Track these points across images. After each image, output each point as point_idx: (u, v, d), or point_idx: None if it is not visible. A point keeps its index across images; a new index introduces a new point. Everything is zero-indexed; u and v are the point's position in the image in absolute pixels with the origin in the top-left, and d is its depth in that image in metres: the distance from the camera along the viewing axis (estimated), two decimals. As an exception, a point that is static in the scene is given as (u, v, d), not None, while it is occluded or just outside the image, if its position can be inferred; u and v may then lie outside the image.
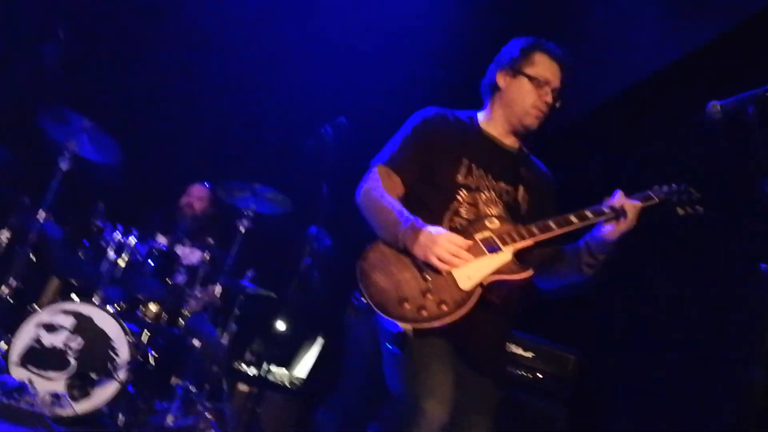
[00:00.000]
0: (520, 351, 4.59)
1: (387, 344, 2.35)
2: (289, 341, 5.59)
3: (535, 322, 4.76)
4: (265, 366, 5.05)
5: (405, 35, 5.80)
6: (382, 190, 2.53)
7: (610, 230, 2.43)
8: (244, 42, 5.92)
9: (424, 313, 2.28)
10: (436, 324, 2.27)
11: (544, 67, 2.62)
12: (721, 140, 2.26)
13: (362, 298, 2.35)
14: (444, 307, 2.29)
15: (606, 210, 2.45)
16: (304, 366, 5.99)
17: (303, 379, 5.84)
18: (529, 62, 2.62)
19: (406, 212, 2.44)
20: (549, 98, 2.60)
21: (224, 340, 4.82)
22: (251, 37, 5.89)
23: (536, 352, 4.58)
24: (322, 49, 5.86)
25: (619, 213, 2.43)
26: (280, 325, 5.20)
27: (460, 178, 2.57)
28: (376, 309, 2.31)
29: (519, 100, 2.62)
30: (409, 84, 4.90)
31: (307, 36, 5.87)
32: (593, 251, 2.48)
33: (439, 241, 2.33)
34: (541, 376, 4.52)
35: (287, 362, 5.92)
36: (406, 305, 2.29)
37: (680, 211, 2.49)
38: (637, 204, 2.43)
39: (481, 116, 2.73)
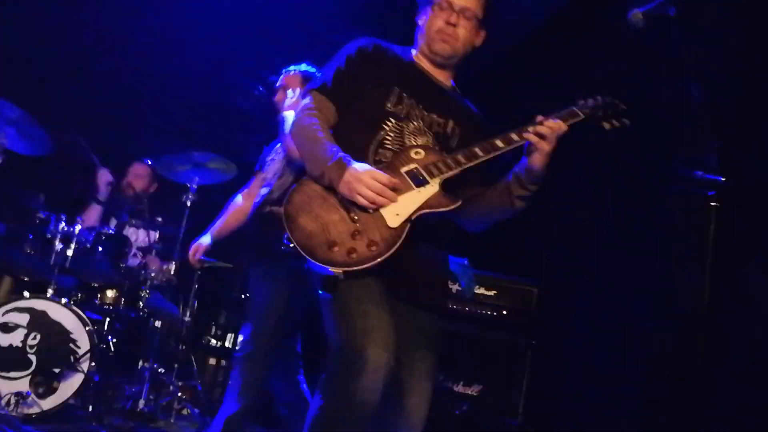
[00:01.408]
0: (482, 290, 4.64)
1: (319, 290, 2.32)
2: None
3: (490, 259, 4.82)
4: (231, 336, 5.02)
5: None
6: (314, 119, 2.47)
7: (535, 156, 2.39)
8: (161, 9, 5.72)
9: (354, 256, 2.24)
10: (368, 265, 2.24)
11: None
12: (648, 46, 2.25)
13: (290, 244, 2.28)
14: (374, 248, 2.26)
15: (530, 129, 2.39)
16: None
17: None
18: None
19: (335, 148, 2.38)
20: (453, 18, 2.56)
21: (186, 316, 4.78)
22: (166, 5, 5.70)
23: (498, 288, 4.62)
24: (241, 6, 5.69)
25: (541, 134, 2.37)
26: (242, 294, 5.15)
27: (389, 105, 2.53)
28: (304, 254, 2.25)
29: (427, 27, 2.61)
30: (338, 28, 4.77)
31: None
32: (524, 182, 2.44)
33: (363, 179, 2.29)
34: (505, 312, 4.58)
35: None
36: (336, 248, 2.25)
37: (606, 125, 2.47)
38: (559, 122, 2.38)
39: (413, 51, 2.71)
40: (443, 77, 2.68)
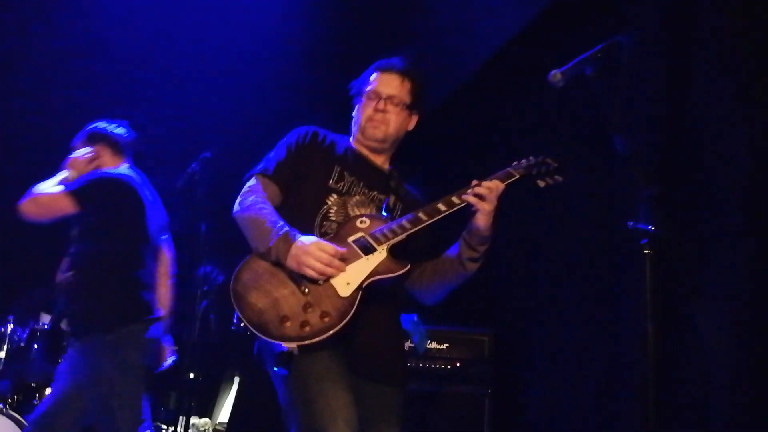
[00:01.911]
0: (434, 345, 4.62)
1: (274, 368, 2.28)
2: (203, 388, 5.39)
3: (440, 312, 4.81)
4: (182, 420, 4.84)
5: (249, 61, 5.72)
6: (258, 199, 2.49)
7: (478, 216, 2.43)
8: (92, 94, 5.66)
9: (308, 329, 2.24)
10: (323, 337, 2.23)
11: (378, 82, 2.70)
12: (574, 103, 2.33)
13: (240, 323, 2.27)
14: (326, 319, 2.25)
15: (469, 192, 2.44)
16: (225, 409, 5.82)
17: (226, 423, 5.67)
18: (366, 83, 2.73)
19: (281, 222, 2.40)
20: (380, 105, 2.65)
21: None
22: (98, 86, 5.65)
23: (450, 341, 4.62)
24: (172, 87, 5.68)
25: (480, 195, 2.42)
26: (190, 375, 5.00)
27: (331, 182, 2.59)
28: (256, 332, 2.25)
29: (360, 116, 2.71)
30: (267, 108, 4.82)
31: (155, 76, 5.67)
32: (472, 244, 2.48)
33: (310, 251, 2.30)
34: (459, 364, 4.57)
35: (206, 410, 5.73)
36: (288, 324, 2.25)
37: (541, 183, 2.53)
38: (496, 182, 2.44)
39: (351, 139, 2.79)
40: (380, 161, 2.75)
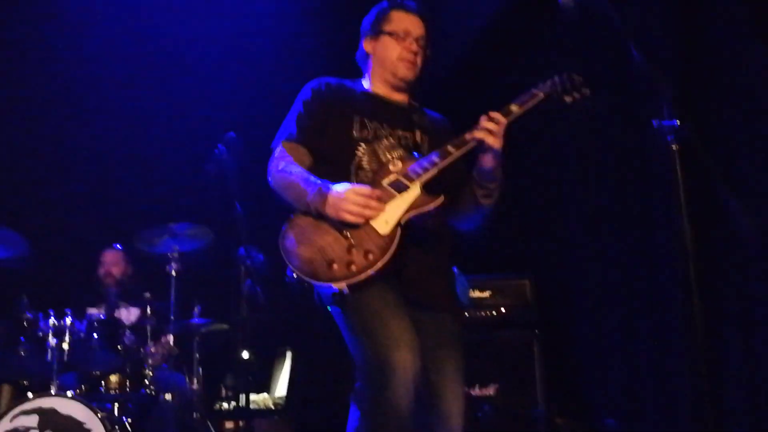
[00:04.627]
0: (476, 293, 4.69)
1: (328, 308, 2.40)
2: (258, 365, 5.51)
3: (478, 262, 4.89)
4: (243, 397, 4.98)
5: (261, 34, 5.78)
6: (286, 164, 2.57)
7: (483, 157, 2.48)
8: (112, 90, 5.77)
9: (353, 267, 2.32)
10: (370, 273, 2.31)
11: (401, 21, 2.71)
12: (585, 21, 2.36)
13: (293, 275, 2.38)
14: (370, 256, 2.33)
15: (480, 127, 2.47)
16: (281, 384, 5.94)
17: (284, 397, 5.80)
18: (387, 21, 2.73)
19: (312, 178, 2.48)
20: (414, 47, 2.69)
21: (195, 385, 4.76)
22: (115, 83, 5.75)
23: (492, 288, 4.69)
24: (187, 72, 5.76)
25: (488, 130, 2.45)
26: (244, 353, 5.14)
27: (355, 133, 2.63)
28: (308, 280, 2.35)
29: (387, 56, 2.71)
30: (283, 77, 4.86)
31: (168, 62, 5.76)
32: (481, 182, 2.54)
33: (346, 197, 2.38)
34: (504, 310, 4.63)
35: (264, 386, 5.86)
36: (335, 266, 2.34)
37: (568, 99, 2.55)
38: (492, 125, 2.45)
39: (364, 82, 2.82)
40: (400, 98, 2.78)
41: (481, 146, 2.47)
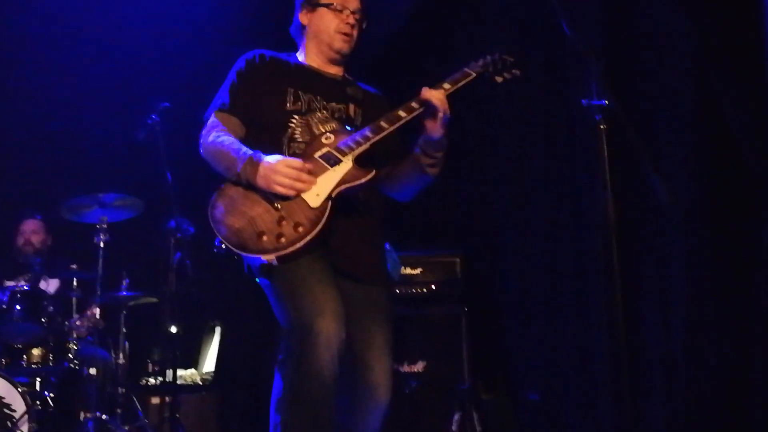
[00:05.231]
0: (408, 270, 4.75)
1: (257, 279, 2.40)
2: (186, 339, 5.45)
3: (410, 238, 4.96)
4: (170, 372, 4.93)
5: (198, 5, 5.69)
6: (218, 133, 2.56)
7: (431, 125, 2.50)
8: (42, 54, 5.57)
9: (283, 240, 2.33)
10: (299, 246, 2.32)
11: None
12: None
13: (221, 245, 2.37)
14: (300, 229, 2.34)
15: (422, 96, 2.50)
16: (209, 359, 5.91)
17: (212, 372, 5.77)
18: None
19: (244, 148, 2.48)
20: (350, 19, 2.71)
21: (120, 359, 4.68)
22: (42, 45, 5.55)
23: (423, 265, 4.75)
24: (119, 37, 5.61)
25: (426, 104, 2.49)
26: (172, 328, 5.08)
27: (288, 105, 2.63)
28: (236, 251, 2.35)
29: (323, 28, 2.72)
30: (218, 49, 4.79)
31: (102, 29, 5.60)
32: (427, 151, 2.57)
33: (277, 169, 2.38)
34: (434, 287, 4.70)
35: (192, 361, 5.82)
36: (264, 238, 2.34)
37: (499, 79, 2.61)
38: (440, 91, 2.49)
39: (299, 55, 2.82)
40: (334, 71, 2.79)
41: (429, 111, 2.48)
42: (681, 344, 3.43)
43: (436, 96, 2.48)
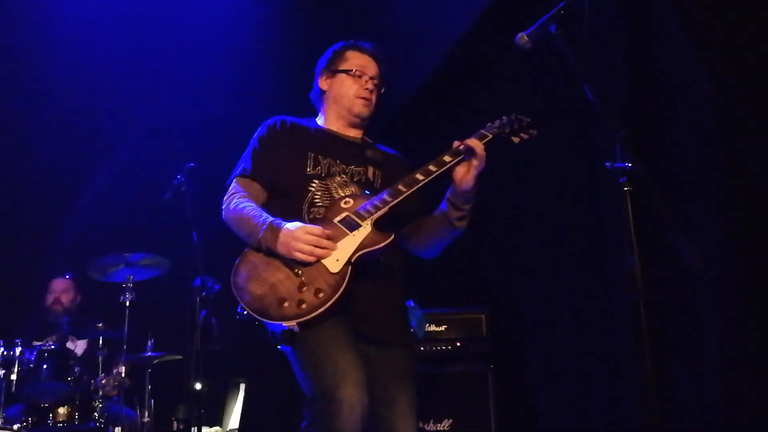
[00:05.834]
0: (433, 328, 4.72)
1: (279, 346, 2.42)
2: (211, 397, 5.45)
3: (435, 295, 4.94)
4: (195, 430, 4.91)
5: (224, 73, 5.82)
6: (239, 200, 2.60)
7: (465, 175, 2.53)
8: (70, 116, 5.70)
9: (304, 306, 2.34)
10: (320, 312, 2.33)
11: (356, 60, 2.81)
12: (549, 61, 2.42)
13: (244, 311, 2.39)
14: (321, 295, 2.36)
15: (447, 157, 2.55)
16: (234, 416, 5.86)
17: (237, 430, 5.72)
18: (343, 60, 2.82)
19: (264, 215, 2.51)
20: (369, 85, 2.77)
21: (146, 417, 4.68)
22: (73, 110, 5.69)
23: (448, 322, 4.72)
24: (150, 102, 5.74)
25: (463, 153, 2.53)
26: (197, 385, 5.08)
27: (308, 169, 2.67)
28: (258, 318, 2.36)
29: (343, 93, 2.79)
30: (243, 113, 4.90)
31: (130, 91, 5.73)
32: (457, 204, 2.59)
33: (297, 236, 2.41)
34: (459, 344, 4.66)
35: (217, 419, 5.78)
36: (286, 304, 2.36)
37: (516, 139, 2.65)
38: (479, 140, 2.55)
39: (319, 120, 2.89)
40: (354, 134, 2.84)
41: (467, 160, 2.52)
42: (716, 409, 3.35)
43: (478, 145, 2.51)
